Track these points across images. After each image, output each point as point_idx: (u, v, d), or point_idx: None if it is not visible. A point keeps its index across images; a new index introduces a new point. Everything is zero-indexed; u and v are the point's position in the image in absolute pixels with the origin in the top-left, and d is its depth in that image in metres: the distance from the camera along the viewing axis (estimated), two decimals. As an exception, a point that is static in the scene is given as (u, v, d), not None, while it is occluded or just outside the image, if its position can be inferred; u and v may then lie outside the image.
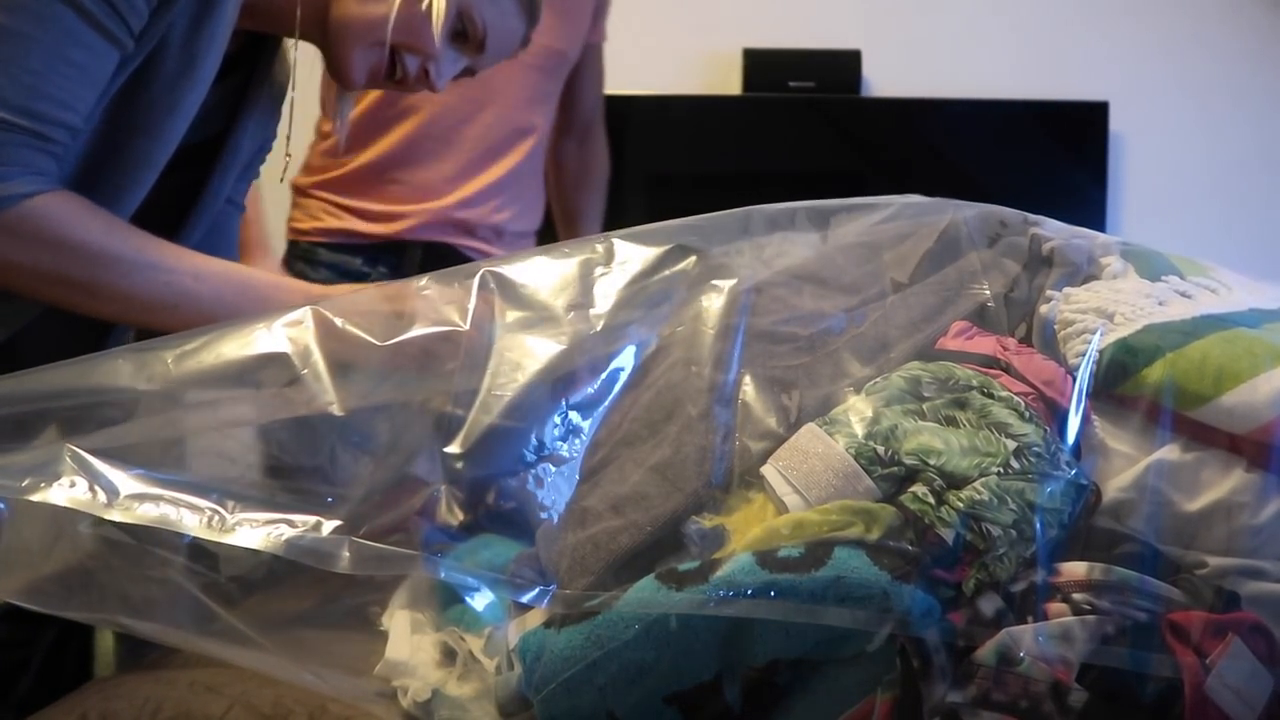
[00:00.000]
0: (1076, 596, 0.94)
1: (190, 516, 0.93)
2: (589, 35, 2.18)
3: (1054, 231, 1.19)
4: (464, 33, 1.29)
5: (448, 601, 1.10)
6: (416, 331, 1.07)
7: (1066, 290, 1.11)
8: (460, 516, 1.10)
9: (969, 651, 0.92)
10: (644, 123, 2.97)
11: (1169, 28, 3.33)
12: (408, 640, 1.08)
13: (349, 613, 1.13)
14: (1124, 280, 1.12)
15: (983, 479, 0.96)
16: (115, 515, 0.93)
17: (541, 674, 0.94)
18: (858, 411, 1.01)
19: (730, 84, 3.24)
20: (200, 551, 0.98)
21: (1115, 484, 1.01)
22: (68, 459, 0.94)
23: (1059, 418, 1.03)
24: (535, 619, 0.99)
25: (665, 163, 2.86)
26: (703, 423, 1.05)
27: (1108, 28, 3.32)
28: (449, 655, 1.07)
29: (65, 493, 0.93)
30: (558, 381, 1.10)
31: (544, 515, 1.06)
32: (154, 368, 0.99)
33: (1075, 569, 0.96)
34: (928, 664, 0.92)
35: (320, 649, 1.08)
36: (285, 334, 1.02)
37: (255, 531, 0.93)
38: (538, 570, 1.00)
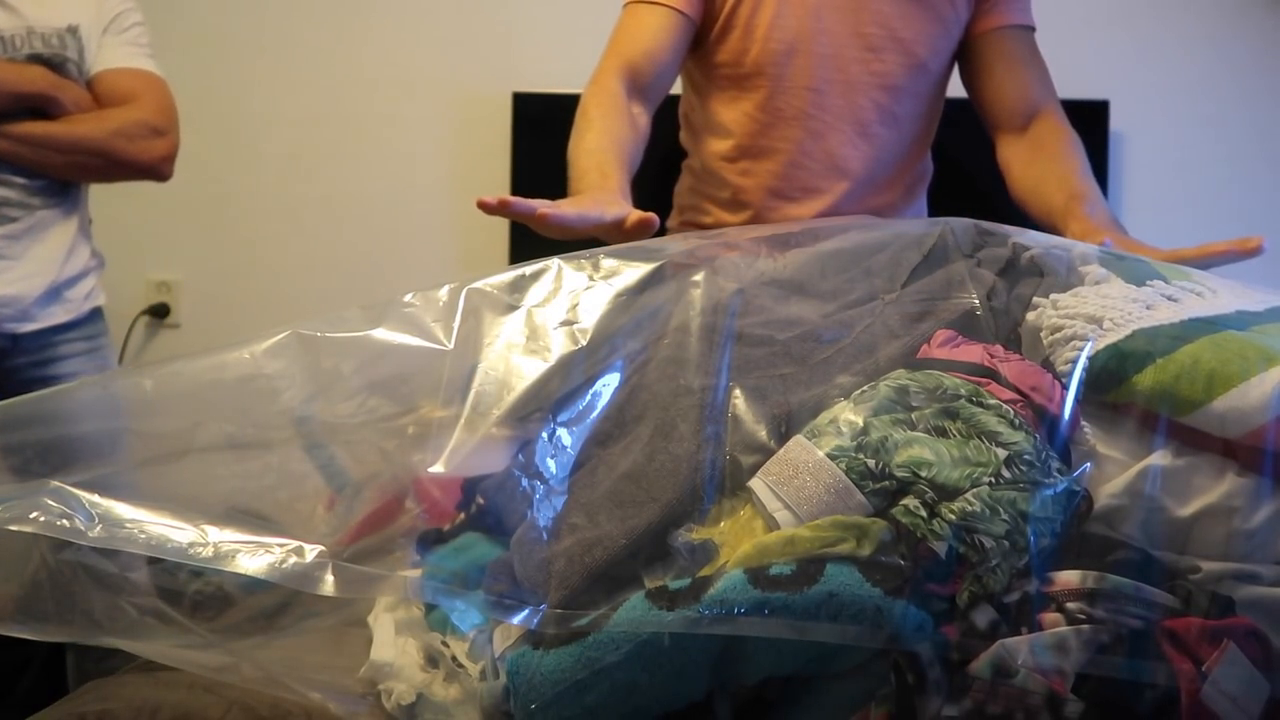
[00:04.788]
0: (1071, 606, 0.94)
1: (173, 542, 0.93)
2: None
3: (1033, 241, 1.19)
4: None
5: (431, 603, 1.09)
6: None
7: (1054, 297, 1.11)
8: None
9: (964, 664, 0.92)
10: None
11: (1169, 27, 3.33)
12: (392, 642, 1.08)
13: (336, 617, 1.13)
14: (1109, 285, 1.11)
15: (974, 490, 0.95)
16: (98, 542, 0.93)
17: (528, 694, 0.93)
18: (847, 422, 1.00)
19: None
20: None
21: (1107, 490, 1.00)
22: (50, 489, 0.93)
23: (1048, 424, 1.02)
24: (519, 626, 0.98)
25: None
26: (678, 429, 1.04)
27: (1108, 27, 3.31)
28: (433, 658, 1.06)
29: (47, 521, 0.92)
30: (544, 400, 1.10)
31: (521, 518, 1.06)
32: (133, 395, 0.99)
33: (1069, 578, 0.95)
34: (922, 678, 0.91)
35: (302, 654, 1.08)
36: (264, 358, 1.02)
37: (238, 557, 0.93)
38: (512, 578, 0.99)
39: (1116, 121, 3.21)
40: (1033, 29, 1.97)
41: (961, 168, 2.42)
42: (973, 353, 1.06)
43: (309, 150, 3.36)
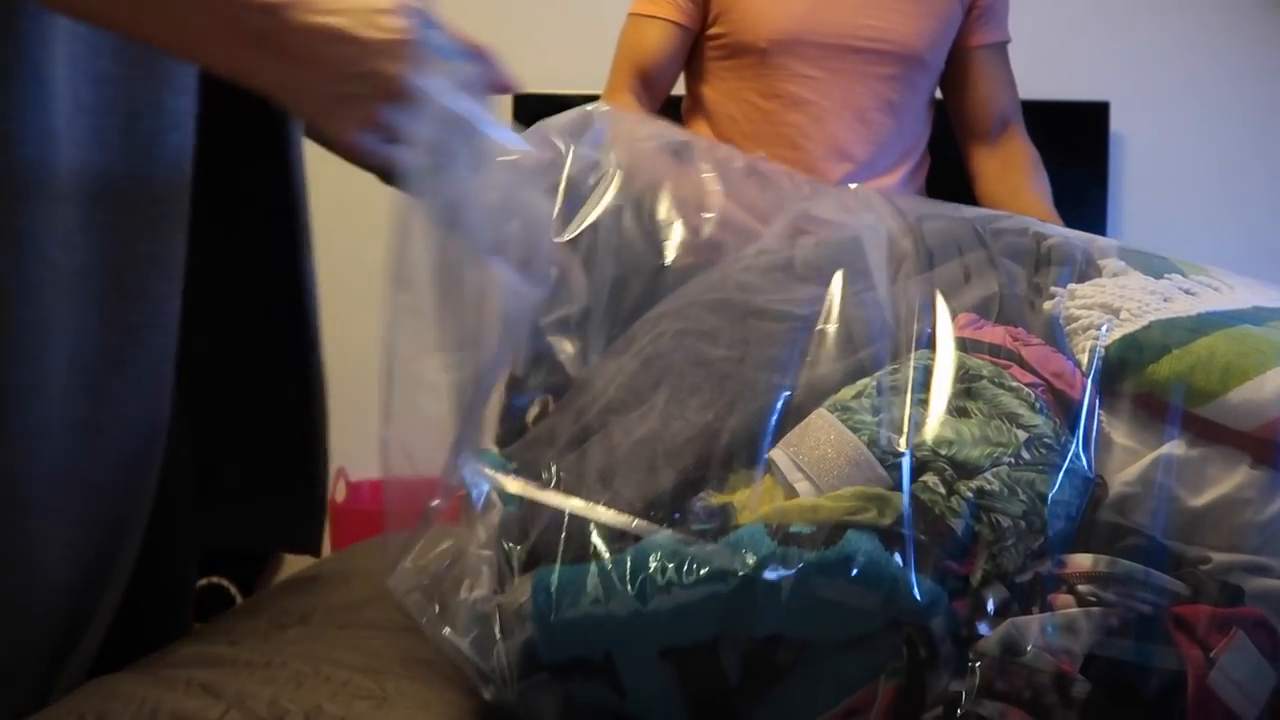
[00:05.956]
0: (1082, 588, 0.95)
1: None
2: None
3: (1052, 231, 1.20)
4: None
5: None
6: None
7: (1071, 286, 1.11)
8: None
9: (973, 641, 0.93)
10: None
11: (1169, 28, 3.34)
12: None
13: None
14: (1127, 277, 1.12)
15: (994, 469, 0.96)
16: None
17: (546, 601, 0.97)
18: (869, 397, 1.01)
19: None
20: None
21: (1120, 478, 1.01)
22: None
23: (1068, 411, 1.03)
24: (523, 588, 1.00)
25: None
26: (696, 397, 1.05)
27: (1108, 28, 3.33)
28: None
29: None
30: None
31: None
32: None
33: (1081, 561, 0.96)
34: (934, 653, 0.92)
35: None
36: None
37: None
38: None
39: (1116, 122, 3.23)
40: (1009, 42, 2.15)
41: (960, 163, 2.45)
42: (995, 335, 1.07)
43: (309, 150, 3.34)
